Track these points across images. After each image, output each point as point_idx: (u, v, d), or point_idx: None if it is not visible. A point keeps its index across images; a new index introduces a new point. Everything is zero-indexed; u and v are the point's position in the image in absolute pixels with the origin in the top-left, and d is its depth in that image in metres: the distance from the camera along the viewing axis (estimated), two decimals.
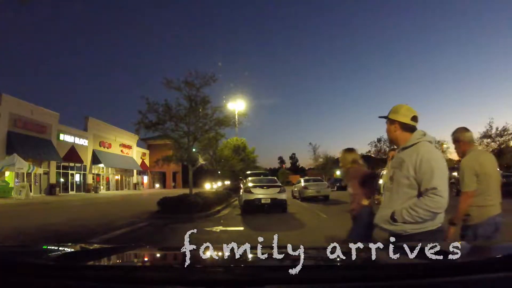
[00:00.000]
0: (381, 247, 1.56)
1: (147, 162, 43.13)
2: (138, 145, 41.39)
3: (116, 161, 34.65)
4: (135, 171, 40.34)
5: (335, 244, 1.17)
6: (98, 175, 32.79)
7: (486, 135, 30.78)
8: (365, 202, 3.77)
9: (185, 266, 0.98)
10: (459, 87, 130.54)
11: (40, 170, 22.48)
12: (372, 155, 61.83)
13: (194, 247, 1.09)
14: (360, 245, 1.78)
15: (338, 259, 1.54)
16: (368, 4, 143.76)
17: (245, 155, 26.62)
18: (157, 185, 46.37)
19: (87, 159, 29.93)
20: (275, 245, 1.21)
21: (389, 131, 2.19)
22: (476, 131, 33.50)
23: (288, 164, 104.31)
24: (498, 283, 0.93)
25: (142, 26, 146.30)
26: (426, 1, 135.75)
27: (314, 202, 15.54)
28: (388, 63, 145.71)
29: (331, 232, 7.62)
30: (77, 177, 29.30)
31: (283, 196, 11.42)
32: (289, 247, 1.18)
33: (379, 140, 59.81)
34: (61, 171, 26.60)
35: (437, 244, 1.57)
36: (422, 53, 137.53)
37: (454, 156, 51.90)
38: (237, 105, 23.80)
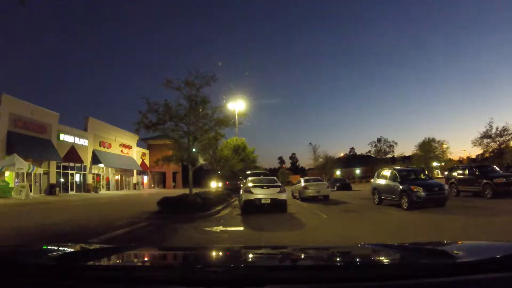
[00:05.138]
0: (381, 248, 1.56)
1: (147, 162, 43.14)
2: (138, 145, 41.42)
3: (116, 161, 34.66)
4: (135, 171, 40.35)
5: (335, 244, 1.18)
6: (98, 175, 32.80)
7: (486, 135, 30.73)
8: None
9: (185, 266, 0.98)
10: (459, 87, 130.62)
11: (40, 170, 22.48)
12: (372, 155, 62.04)
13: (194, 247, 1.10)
14: (360, 245, 1.79)
15: (338, 259, 1.55)
16: (368, 4, 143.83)
17: (245, 155, 26.60)
18: (154, 185, 46.35)
19: (87, 159, 29.94)
20: (275, 245, 1.21)
21: None
22: (476, 131, 33.59)
23: (288, 164, 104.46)
24: (498, 283, 0.94)
25: (142, 26, 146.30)
26: (427, 1, 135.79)
27: (314, 202, 15.53)
28: (388, 63, 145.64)
29: (331, 232, 7.62)
30: (77, 177, 29.30)
31: (283, 196, 11.41)
32: (289, 247, 1.18)
33: (379, 140, 60.16)
34: (61, 171, 26.60)
35: (437, 244, 1.57)
36: (422, 53, 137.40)
37: (454, 156, 52.03)
38: (237, 105, 23.81)
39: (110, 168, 34.63)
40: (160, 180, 47.29)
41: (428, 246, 1.53)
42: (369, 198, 14.61)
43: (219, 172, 21.91)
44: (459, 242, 1.61)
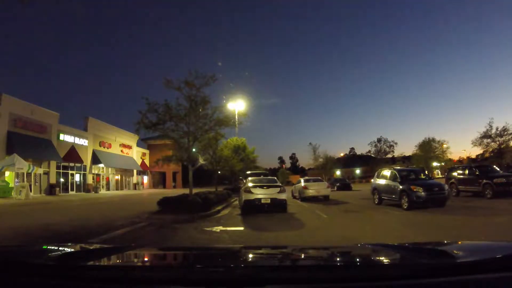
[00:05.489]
0: (381, 248, 1.56)
1: (147, 162, 43.13)
2: (138, 145, 41.40)
3: (116, 161, 34.64)
4: (135, 171, 40.33)
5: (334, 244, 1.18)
6: (98, 175, 32.78)
7: (486, 135, 30.68)
8: None
9: (185, 266, 0.98)
10: (459, 87, 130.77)
11: (40, 170, 22.48)
12: (372, 155, 61.97)
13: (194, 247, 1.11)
14: (360, 245, 1.79)
15: (338, 259, 1.55)
16: (369, 3, 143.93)
17: (245, 155, 26.59)
18: (154, 185, 46.32)
19: (87, 159, 29.93)
20: (275, 245, 1.21)
21: None
22: (476, 131, 33.55)
23: (288, 164, 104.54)
24: (498, 283, 0.93)
25: (142, 26, 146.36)
26: (427, 1, 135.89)
27: (314, 202, 15.53)
28: (388, 63, 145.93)
29: (331, 232, 7.62)
30: (77, 177, 29.30)
31: (283, 196, 11.40)
32: (289, 247, 1.18)
33: (379, 140, 59.96)
34: (61, 171, 26.59)
35: (437, 244, 1.57)
36: (422, 53, 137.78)
37: (454, 156, 51.97)
38: (237, 105, 23.79)
39: (110, 168, 34.61)
40: (160, 180, 47.25)
41: (428, 246, 1.53)
42: (369, 198, 14.60)
43: (219, 172, 21.91)
44: (459, 242, 1.61)
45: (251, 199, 11.14)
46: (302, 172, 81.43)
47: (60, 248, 1.52)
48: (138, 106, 11.81)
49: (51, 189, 24.12)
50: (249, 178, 13.70)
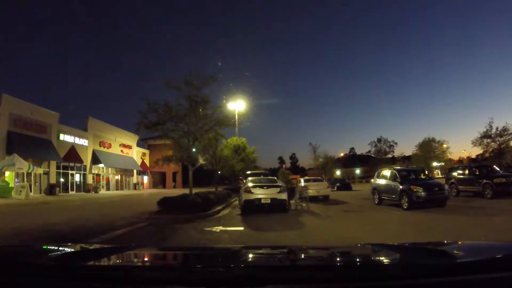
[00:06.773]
0: (381, 248, 1.56)
1: (147, 162, 43.12)
2: (138, 145, 41.39)
3: (116, 161, 34.65)
4: (135, 171, 40.34)
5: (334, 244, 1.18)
6: (98, 175, 32.78)
7: (486, 135, 30.69)
8: None
9: (185, 266, 0.98)
10: (459, 87, 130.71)
11: (40, 170, 22.48)
12: (372, 155, 61.99)
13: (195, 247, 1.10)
14: (360, 245, 1.79)
15: (338, 259, 1.55)
16: (369, 3, 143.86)
17: (245, 155, 26.55)
18: (154, 185, 46.33)
19: (87, 159, 29.93)
20: (275, 245, 1.21)
21: None
22: (476, 131, 33.54)
23: (288, 164, 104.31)
24: (498, 283, 0.94)
25: (142, 26, 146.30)
26: (426, 1, 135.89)
27: (314, 202, 15.53)
28: (388, 63, 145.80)
29: (331, 232, 7.62)
30: (77, 177, 29.29)
31: (283, 196, 11.40)
32: (289, 247, 1.18)
33: (379, 140, 60.03)
34: (61, 171, 26.59)
35: (437, 244, 1.57)
36: (422, 53, 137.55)
37: (454, 156, 51.97)
38: (237, 105, 23.77)
39: (110, 168, 34.61)
40: (160, 180, 47.23)
41: (428, 246, 1.53)
42: (369, 198, 14.60)
43: (219, 172, 21.90)
44: (459, 242, 1.61)
45: (251, 199, 11.15)
46: (302, 172, 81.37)
47: (60, 248, 1.52)
48: (138, 106, 11.83)
49: (51, 189, 24.11)
50: (249, 178, 13.71)
